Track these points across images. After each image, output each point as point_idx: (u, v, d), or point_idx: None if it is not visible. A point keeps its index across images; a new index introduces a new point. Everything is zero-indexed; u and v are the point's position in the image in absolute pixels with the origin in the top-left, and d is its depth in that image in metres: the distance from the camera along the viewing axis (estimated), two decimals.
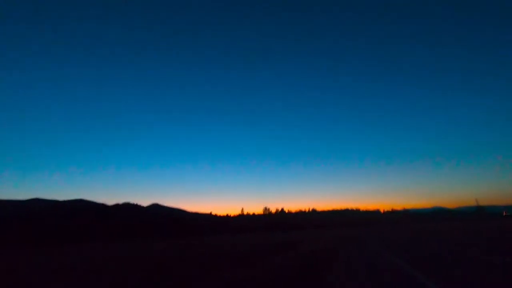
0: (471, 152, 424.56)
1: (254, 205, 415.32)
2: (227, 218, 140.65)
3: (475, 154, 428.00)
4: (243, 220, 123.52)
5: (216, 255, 13.56)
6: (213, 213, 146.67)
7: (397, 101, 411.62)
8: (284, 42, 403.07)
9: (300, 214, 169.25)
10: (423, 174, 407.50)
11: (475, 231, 25.56)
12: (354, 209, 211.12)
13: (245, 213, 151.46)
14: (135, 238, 54.74)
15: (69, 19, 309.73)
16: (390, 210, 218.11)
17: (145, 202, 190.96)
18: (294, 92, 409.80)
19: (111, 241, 47.34)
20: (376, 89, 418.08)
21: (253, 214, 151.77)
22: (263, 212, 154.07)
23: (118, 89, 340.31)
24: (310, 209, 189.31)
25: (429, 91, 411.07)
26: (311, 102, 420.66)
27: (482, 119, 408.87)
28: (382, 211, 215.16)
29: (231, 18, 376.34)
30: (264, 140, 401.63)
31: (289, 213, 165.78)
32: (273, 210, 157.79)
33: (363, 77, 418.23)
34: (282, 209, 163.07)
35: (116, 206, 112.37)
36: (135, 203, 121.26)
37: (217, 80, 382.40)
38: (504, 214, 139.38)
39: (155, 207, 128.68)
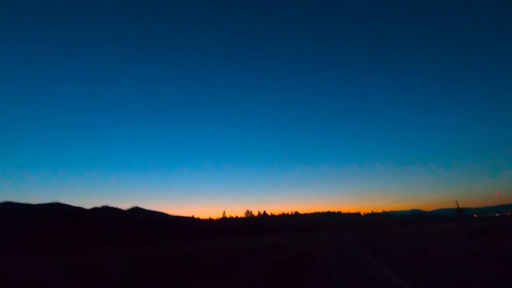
0: (448, 157, 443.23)
1: (236, 209, 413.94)
2: (209, 221, 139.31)
3: (451, 159, 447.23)
4: (225, 224, 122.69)
5: (181, 263, 12.91)
6: (196, 216, 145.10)
7: (379, 107, 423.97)
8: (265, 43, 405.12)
9: (283, 217, 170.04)
10: (403, 178, 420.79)
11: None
12: (336, 211, 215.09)
13: (227, 216, 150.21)
14: (109, 243, 52.65)
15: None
16: (371, 212, 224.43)
17: (125, 205, 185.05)
18: (277, 97, 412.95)
19: (82, 246, 45.13)
20: (358, 95, 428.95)
21: (236, 217, 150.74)
22: (245, 215, 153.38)
23: (99, 92, 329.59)
24: (293, 212, 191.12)
25: (408, 97, 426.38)
26: (294, 106, 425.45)
27: (460, 124, 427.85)
28: (362, 213, 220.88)
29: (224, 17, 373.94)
30: (246, 144, 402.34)
31: (272, 216, 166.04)
32: (255, 213, 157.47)
33: (345, 81, 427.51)
34: (265, 212, 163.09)
35: (94, 209, 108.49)
36: (114, 206, 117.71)
37: (199, 85, 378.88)
38: (474, 216, 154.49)
39: (136, 211, 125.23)
